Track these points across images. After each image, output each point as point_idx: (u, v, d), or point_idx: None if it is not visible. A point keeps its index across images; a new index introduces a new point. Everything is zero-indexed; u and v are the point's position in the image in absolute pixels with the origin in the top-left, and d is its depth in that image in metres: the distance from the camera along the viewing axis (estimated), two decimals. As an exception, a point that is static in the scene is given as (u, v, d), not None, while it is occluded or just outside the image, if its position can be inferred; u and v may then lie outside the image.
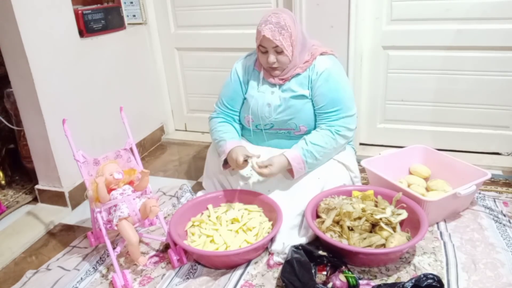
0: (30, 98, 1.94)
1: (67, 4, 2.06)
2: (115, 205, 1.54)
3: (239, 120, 1.92)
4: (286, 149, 1.75)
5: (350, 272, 1.40)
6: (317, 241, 1.62)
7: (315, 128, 1.79)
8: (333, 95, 1.73)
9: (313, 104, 1.76)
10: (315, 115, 1.78)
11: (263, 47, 1.69)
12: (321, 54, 1.77)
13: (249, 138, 1.94)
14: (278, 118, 1.79)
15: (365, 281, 1.46)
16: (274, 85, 1.79)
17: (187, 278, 1.55)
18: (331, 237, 1.53)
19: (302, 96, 1.75)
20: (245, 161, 1.68)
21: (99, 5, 2.35)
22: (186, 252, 1.62)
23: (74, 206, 2.12)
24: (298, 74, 1.75)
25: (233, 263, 1.57)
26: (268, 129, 1.85)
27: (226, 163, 1.80)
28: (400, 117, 2.44)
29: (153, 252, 1.70)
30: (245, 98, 1.86)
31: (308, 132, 1.78)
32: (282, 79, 1.76)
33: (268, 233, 1.61)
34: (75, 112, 2.11)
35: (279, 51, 1.67)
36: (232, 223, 1.69)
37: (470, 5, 2.09)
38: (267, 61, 1.70)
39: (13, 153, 2.43)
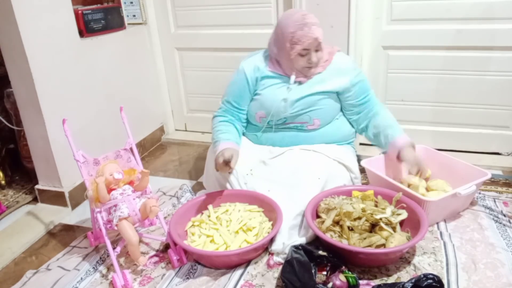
0: (30, 98, 1.94)
1: (67, 4, 2.06)
2: (115, 205, 1.54)
3: (246, 119, 1.93)
4: (293, 147, 1.83)
5: (350, 272, 1.40)
6: (317, 241, 1.61)
7: (329, 122, 1.85)
8: (363, 85, 1.85)
9: (339, 98, 1.85)
10: (333, 110, 1.84)
11: (307, 50, 1.70)
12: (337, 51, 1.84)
13: (253, 137, 1.94)
14: (294, 112, 1.81)
15: (365, 281, 1.46)
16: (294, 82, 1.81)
17: (187, 278, 1.55)
18: (331, 237, 1.53)
19: (322, 93, 1.79)
20: (227, 164, 1.68)
21: (99, 5, 2.35)
22: (186, 252, 1.62)
23: (74, 206, 2.12)
24: (318, 73, 1.79)
25: (233, 263, 1.57)
26: (280, 124, 1.85)
27: None
28: (400, 117, 2.41)
29: (153, 252, 1.70)
30: (254, 95, 1.86)
31: (321, 126, 1.81)
32: (306, 77, 1.79)
33: (268, 233, 1.61)
34: (75, 112, 2.12)
35: (318, 49, 1.71)
36: (230, 220, 1.69)
37: (470, 5, 2.09)
38: (308, 62, 1.72)
39: (13, 153, 2.43)
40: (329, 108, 1.84)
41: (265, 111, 1.83)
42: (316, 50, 1.72)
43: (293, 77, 1.79)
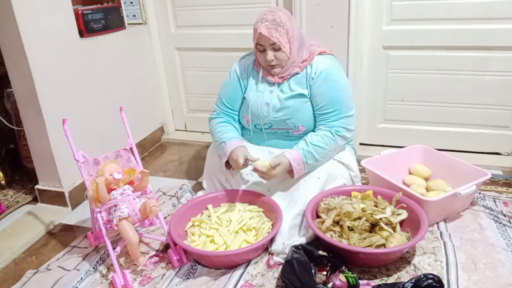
0: (30, 98, 1.94)
1: (67, 4, 2.06)
2: (115, 205, 1.54)
3: (239, 120, 1.92)
4: (287, 149, 1.75)
5: (350, 272, 1.40)
6: (317, 241, 1.61)
7: (314, 128, 1.79)
8: (332, 95, 1.72)
9: (312, 104, 1.76)
10: (314, 115, 1.78)
11: (261, 45, 1.69)
12: (320, 53, 1.77)
13: (248, 138, 1.94)
14: (277, 117, 1.79)
15: (365, 281, 1.46)
16: (272, 84, 1.79)
17: (187, 278, 1.55)
18: (331, 237, 1.53)
19: (301, 95, 1.75)
20: (245, 163, 1.68)
21: (99, 5, 2.35)
22: (186, 252, 1.62)
23: (74, 206, 2.12)
24: (296, 73, 1.75)
25: (233, 263, 1.57)
26: (267, 128, 1.85)
27: (228, 164, 1.80)
28: (400, 117, 2.44)
29: (153, 252, 1.70)
30: (244, 98, 1.86)
31: (307, 132, 1.78)
32: (281, 78, 1.76)
33: (268, 233, 1.61)
34: (75, 112, 2.11)
35: (276, 48, 1.67)
36: (230, 220, 1.69)
37: (470, 5, 2.09)
38: (265, 60, 1.70)
39: (13, 153, 2.43)
40: (311, 112, 1.77)
41: (250, 114, 1.82)
42: (275, 49, 1.67)
43: (260, 73, 1.79)
